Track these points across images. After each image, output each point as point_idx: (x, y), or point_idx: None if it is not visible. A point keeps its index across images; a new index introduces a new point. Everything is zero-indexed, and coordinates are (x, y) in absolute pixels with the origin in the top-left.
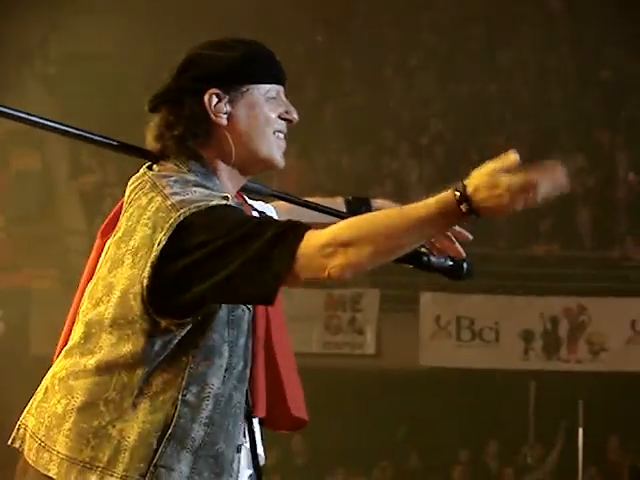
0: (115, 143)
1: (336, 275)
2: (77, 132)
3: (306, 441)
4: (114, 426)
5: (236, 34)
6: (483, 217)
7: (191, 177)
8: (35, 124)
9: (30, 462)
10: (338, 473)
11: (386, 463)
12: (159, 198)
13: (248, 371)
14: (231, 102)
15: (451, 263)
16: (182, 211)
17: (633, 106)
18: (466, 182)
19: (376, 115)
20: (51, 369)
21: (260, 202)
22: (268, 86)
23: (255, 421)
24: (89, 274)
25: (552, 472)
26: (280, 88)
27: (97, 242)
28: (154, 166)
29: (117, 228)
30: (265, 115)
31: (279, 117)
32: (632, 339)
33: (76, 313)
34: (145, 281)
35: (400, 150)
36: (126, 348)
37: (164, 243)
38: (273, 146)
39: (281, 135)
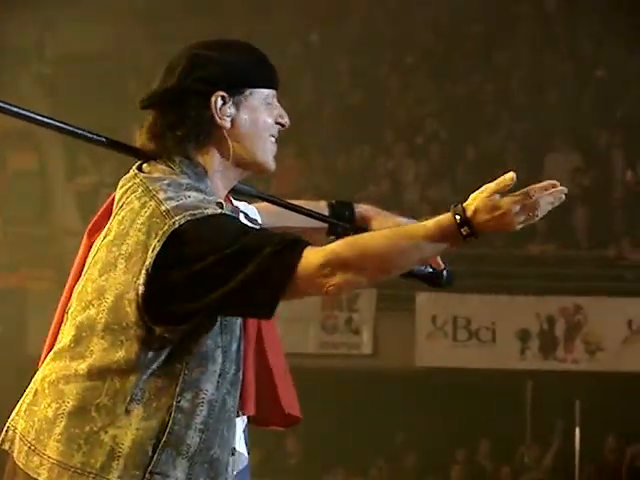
0: (104, 140)
1: (334, 293)
2: (65, 127)
3: (302, 441)
4: (106, 432)
5: (232, 34)
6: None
7: (184, 180)
8: (20, 116)
9: (20, 465)
10: (335, 473)
11: (383, 463)
12: (153, 203)
13: (240, 375)
14: (235, 105)
15: (431, 270)
16: (177, 218)
17: (629, 105)
18: (465, 205)
19: (372, 115)
20: (40, 371)
21: (243, 203)
22: (267, 91)
23: (238, 420)
24: (76, 274)
25: (549, 472)
26: (275, 93)
27: (84, 241)
28: (144, 166)
29: (107, 230)
30: (264, 120)
31: (275, 122)
32: (628, 339)
33: (63, 313)
34: (140, 288)
35: (396, 150)
36: (119, 354)
37: (158, 250)
38: (268, 151)
39: (274, 139)
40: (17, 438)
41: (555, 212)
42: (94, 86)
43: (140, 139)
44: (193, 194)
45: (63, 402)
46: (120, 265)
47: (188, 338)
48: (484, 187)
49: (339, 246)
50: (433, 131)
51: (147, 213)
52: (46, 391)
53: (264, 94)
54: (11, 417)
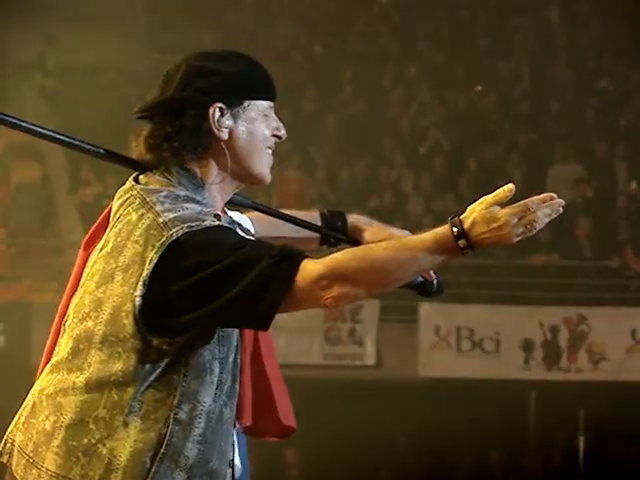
0: (101, 151)
1: (331, 306)
2: (62, 138)
3: (305, 452)
4: (104, 444)
5: (235, 45)
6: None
7: (181, 192)
8: (17, 127)
9: (18, 477)
10: None
11: (386, 473)
12: (150, 215)
13: (237, 386)
14: (233, 117)
15: (421, 279)
16: (174, 230)
17: (632, 115)
18: (462, 217)
19: (375, 126)
20: (37, 383)
21: (237, 213)
22: (265, 103)
23: (235, 431)
24: (73, 286)
25: None
26: (272, 104)
27: (80, 254)
28: (141, 177)
29: (104, 242)
30: (262, 132)
31: (271, 134)
32: (632, 348)
33: (60, 325)
34: (137, 300)
35: (398, 160)
36: (117, 366)
37: (155, 262)
38: (265, 163)
39: (270, 151)
40: (15, 450)
41: (558, 223)
42: (96, 98)
43: (137, 150)
44: (190, 206)
45: (61, 415)
46: (117, 277)
47: (185, 350)
48: (482, 199)
49: (337, 258)
50: (436, 142)
51: (144, 225)
52: (44, 404)
53: (262, 106)
54: (9, 429)
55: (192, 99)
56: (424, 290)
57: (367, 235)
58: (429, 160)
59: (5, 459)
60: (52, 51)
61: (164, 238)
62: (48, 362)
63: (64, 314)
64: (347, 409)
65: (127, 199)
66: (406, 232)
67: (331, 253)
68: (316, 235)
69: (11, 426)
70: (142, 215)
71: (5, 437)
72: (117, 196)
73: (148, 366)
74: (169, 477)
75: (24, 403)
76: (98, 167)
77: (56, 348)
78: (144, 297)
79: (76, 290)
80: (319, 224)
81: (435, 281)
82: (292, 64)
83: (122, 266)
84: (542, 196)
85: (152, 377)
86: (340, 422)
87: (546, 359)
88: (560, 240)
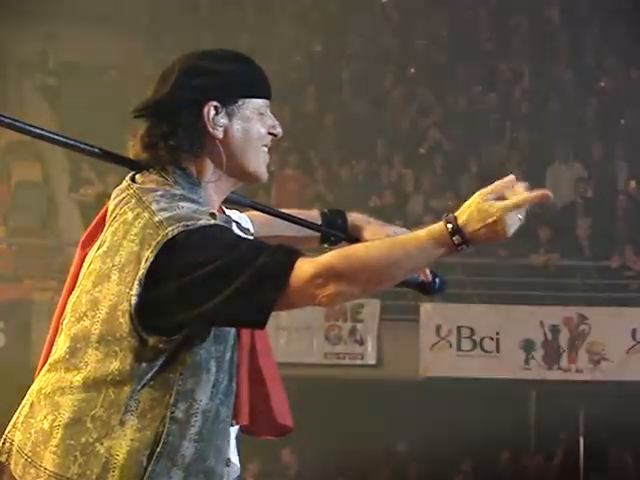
0: (97, 150)
1: (326, 304)
2: (57, 138)
3: (304, 451)
4: (102, 443)
5: (235, 45)
6: (475, 245)
7: (177, 190)
8: (12, 127)
9: (17, 477)
10: None
11: (386, 473)
12: (146, 214)
13: (234, 385)
14: (228, 115)
15: (422, 278)
16: (170, 229)
17: (632, 115)
18: (457, 213)
19: (375, 125)
20: (35, 382)
21: (235, 211)
22: (261, 101)
23: (232, 430)
24: (71, 286)
25: None
26: (268, 103)
27: (78, 253)
28: (137, 176)
29: (101, 241)
30: (257, 130)
31: (267, 132)
32: (633, 348)
33: (58, 325)
34: (133, 299)
35: (398, 160)
36: (113, 365)
37: (151, 260)
38: (261, 161)
39: (266, 149)
40: (14, 450)
41: (558, 222)
42: (97, 97)
43: (134, 149)
44: (186, 205)
45: (59, 414)
46: (114, 276)
47: (182, 348)
48: (479, 192)
49: (332, 257)
50: (436, 142)
51: (140, 224)
52: (42, 403)
53: (257, 104)
54: (8, 429)
55: (187, 98)
56: (425, 289)
57: (367, 234)
58: (429, 160)
59: (4, 458)
60: (53, 50)
61: (160, 237)
62: (46, 361)
63: (61, 313)
64: (347, 408)
65: (123, 198)
66: (404, 230)
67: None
68: (316, 234)
69: (10, 425)
70: (138, 214)
71: (4, 436)
72: (114, 195)
73: (144, 365)
74: (166, 476)
75: (22, 402)
76: (99, 166)
77: (54, 347)
78: (140, 296)
79: (73, 289)
80: (319, 223)
81: (437, 279)
82: (292, 63)
83: (118, 265)
84: (538, 192)
85: (148, 376)
86: (339, 421)
87: (546, 359)
88: (560, 240)
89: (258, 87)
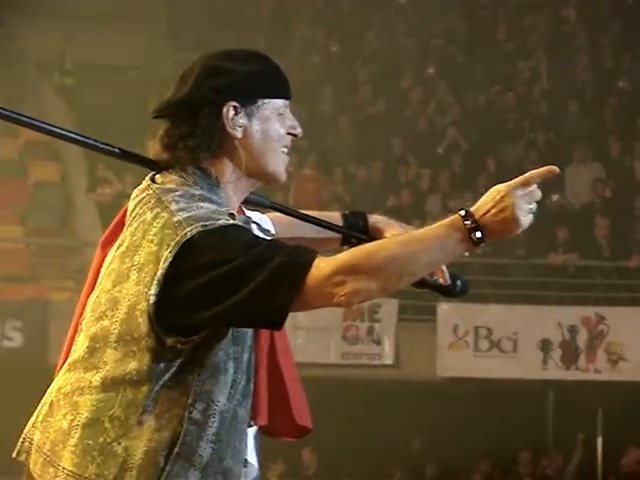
0: (117, 150)
1: (344, 303)
2: (77, 137)
3: (322, 451)
4: (119, 443)
5: (254, 45)
6: (490, 236)
7: (196, 191)
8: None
9: (35, 476)
10: None
11: (403, 473)
12: (165, 214)
13: (252, 386)
14: (247, 115)
15: (441, 281)
16: (189, 229)
17: None
18: (473, 209)
19: (393, 125)
20: (55, 382)
21: (256, 212)
22: (280, 101)
23: (249, 430)
24: (91, 285)
25: None
26: (288, 103)
27: (98, 253)
28: (157, 177)
29: (120, 241)
30: (277, 130)
31: (287, 132)
32: None
33: (78, 324)
34: (151, 298)
35: (416, 159)
36: (132, 365)
37: (170, 260)
38: (280, 161)
39: (286, 150)
40: (33, 449)
41: (576, 222)
42: (115, 97)
43: (153, 149)
44: (205, 205)
45: (78, 414)
46: (133, 276)
47: (200, 349)
48: (495, 188)
49: (349, 254)
50: (454, 141)
51: (159, 224)
52: (61, 402)
53: (277, 104)
54: (27, 428)
55: (206, 98)
56: (447, 290)
57: (388, 235)
58: (447, 159)
59: (23, 457)
60: (71, 50)
61: (178, 237)
62: (66, 360)
63: (81, 313)
64: (365, 408)
65: (143, 198)
66: None
67: None
68: (337, 235)
69: (29, 425)
70: (157, 214)
71: (23, 435)
72: (133, 195)
73: (162, 365)
74: (183, 476)
75: (42, 402)
76: (117, 166)
77: (73, 347)
78: (158, 296)
79: (93, 289)
80: (340, 225)
81: (459, 282)
82: (309, 63)
83: (137, 265)
84: (541, 170)
85: (166, 376)
86: (357, 421)
87: (564, 359)
88: (578, 240)
89: (277, 87)
